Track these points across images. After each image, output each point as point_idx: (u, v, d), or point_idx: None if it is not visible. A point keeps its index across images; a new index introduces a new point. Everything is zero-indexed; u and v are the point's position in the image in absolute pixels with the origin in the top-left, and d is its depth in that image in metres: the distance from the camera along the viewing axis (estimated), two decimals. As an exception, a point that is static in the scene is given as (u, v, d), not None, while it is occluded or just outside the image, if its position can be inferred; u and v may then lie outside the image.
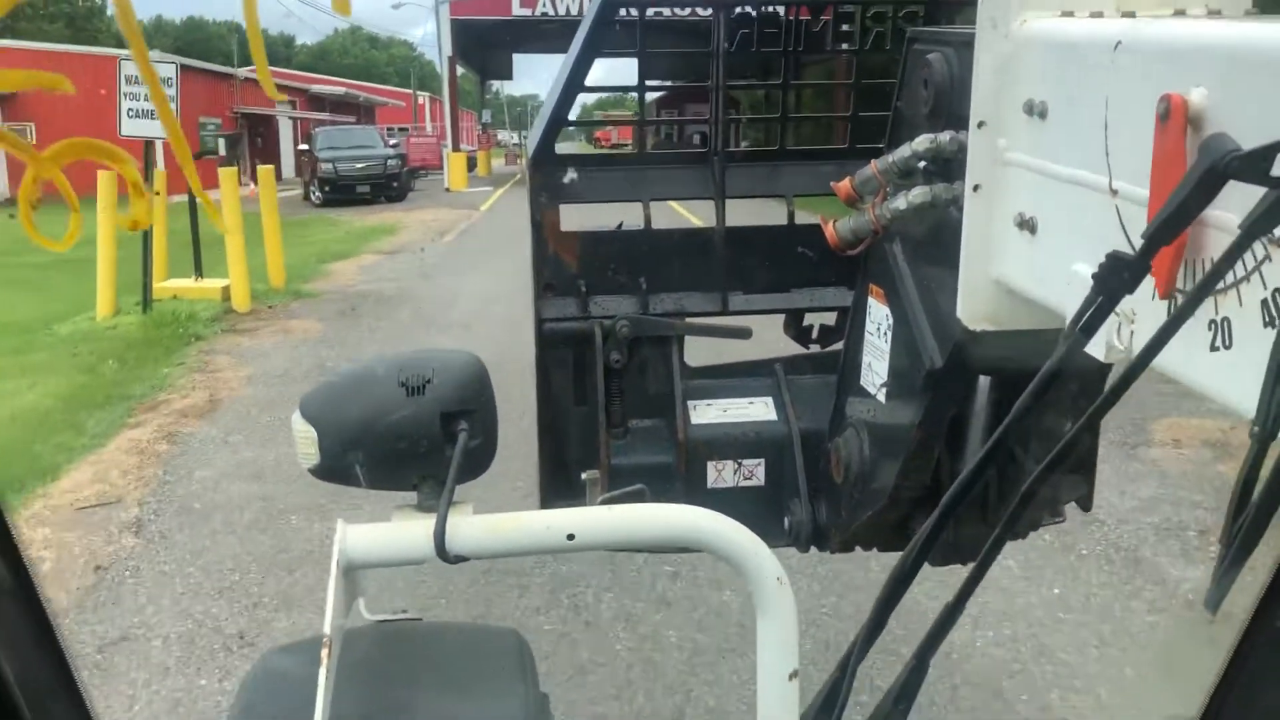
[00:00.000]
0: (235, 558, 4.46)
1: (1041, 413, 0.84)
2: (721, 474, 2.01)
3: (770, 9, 2.01)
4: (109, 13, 69.35)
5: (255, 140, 39.91)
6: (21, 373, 7.76)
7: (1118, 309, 0.75)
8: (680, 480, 1.98)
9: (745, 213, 2.11)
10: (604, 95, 2.10)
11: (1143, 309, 0.88)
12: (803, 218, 2.08)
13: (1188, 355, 0.82)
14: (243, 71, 40.25)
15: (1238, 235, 0.64)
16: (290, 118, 42.65)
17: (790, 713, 1.02)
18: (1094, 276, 0.69)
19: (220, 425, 6.41)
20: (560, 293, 1.99)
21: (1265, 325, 0.75)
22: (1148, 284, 0.84)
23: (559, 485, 2.02)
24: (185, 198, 10.28)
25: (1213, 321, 0.79)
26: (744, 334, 2.04)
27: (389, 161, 27.41)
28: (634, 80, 2.17)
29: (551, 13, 30.91)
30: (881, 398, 1.72)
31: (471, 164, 39.21)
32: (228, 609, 3.99)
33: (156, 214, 9.95)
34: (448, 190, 31.59)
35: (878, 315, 1.70)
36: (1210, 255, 0.79)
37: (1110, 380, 0.70)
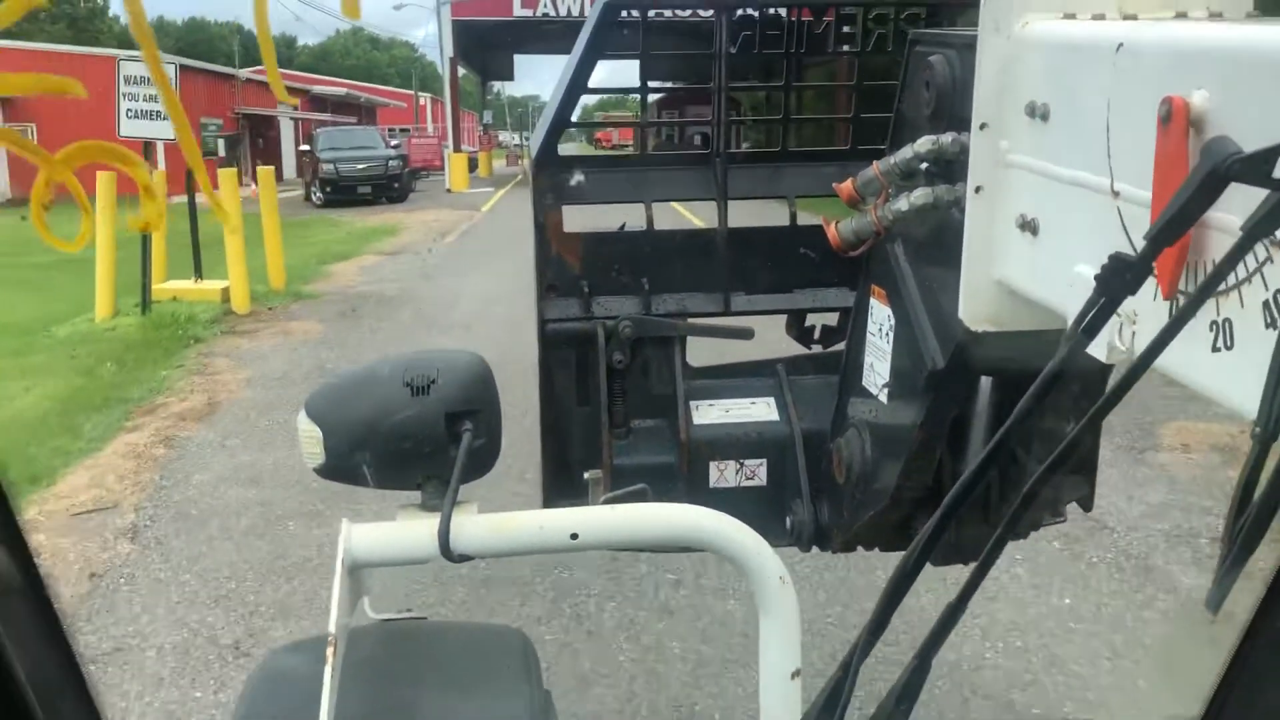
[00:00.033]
0: (232, 565, 4.40)
1: (1043, 414, 0.85)
2: (724, 474, 2.01)
3: (772, 11, 2.01)
4: (111, 14, 69.44)
5: (257, 141, 39.91)
6: (19, 375, 7.70)
7: (1119, 310, 0.74)
8: (682, 480, 1.98)
9: (747, 214, 2.09)
10: (605, 96, 2.05)
11: (1144, 310, 0.88)
12: (805, 219, 2.06)
13: (1189, 356, 0.82)
14: (244, 72, 40.26)
15: (1239, 237, 0.64)
16: (292, 119, 42.63)
17: (792, 712, 1.02)
18: (1096, 277, 0.69)
19: (218, 429, 6.35)
20: (563, 293, 1.99)
21: (1267, 327, 0.75)
22: (1150, 285, 0.85)
23: (562, 485, 2.02)
24: (184, 199, 10.22)
25: (1214, 323, 0.80)
26: (746, 334, 2.03)
27: (390, 162, 27.37)
28: (635, 81, 2.18)
29: (553, 13, 30.89)
30: (883, 398, 1.71)
31: (473, 165, 39.16)
32: (224, 618, 3.92)
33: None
34: (449, 191, 31.54)
35: (880, 316, 1.70)
36: (1212, 257, 0.79)
37: (1112, 381, 0.70)
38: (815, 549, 2.03)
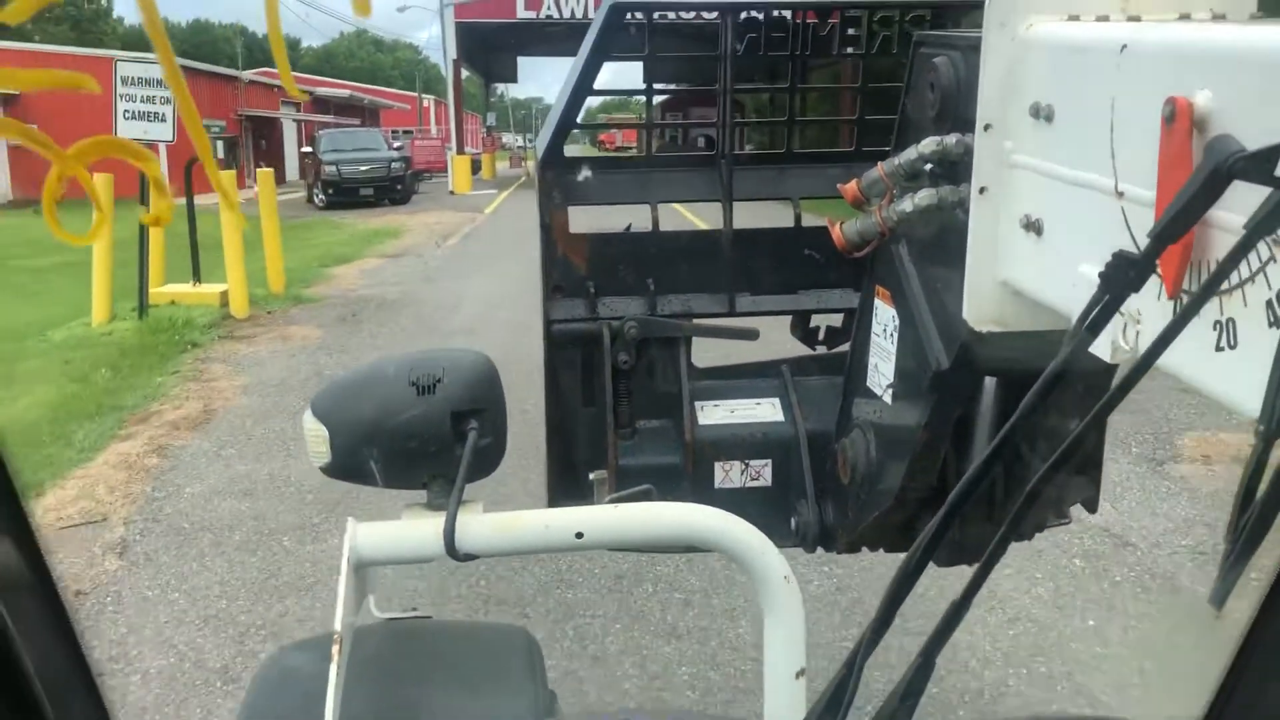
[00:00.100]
0: (223, 583, 4.24)
1: (1047, 413, 0.85)
2: (729, 474, 2.01)
3: (777, 13, 2.02)
4: (115, 15, 69.46)
5: (260, 143, 39.81)
6: (12, 381, 7.56)
7: (1123, 309, 0.75)
8: (687, 481, 1.98)
9: (752, 215, 2.08)
10: (608, 99, 1.98)
11: (1148, 309, 0.88)
12: (809, 220, 2.06)
13: (1193, 356, 0.82)
14: (247, 74, 40.16)
15: (1242, 235, 0.64)
16: (294, 120, 42.54)
17: (796, 711, 1.02)
18: (1100, 275, 0.69)
19: (213, 438, 6.20)
20: (569, 294, 2.00)
21: (1270, 326, 0.75)
22: (1153, 284, 0.86)
23: (567, 485, 2.02)
24: (183, 200, 10.08)
25: (1218, 322, 0.80)
26: (751, 335, 2.03)
27: (393, 164, 27.24)
28: (638, 83, 2.20)
29: (556, 15, 30.75)
30: (888, 399, 1.71)
31: (476, 167, 39.05)
32: (213, 640, 3.77)
33: (150, 219, 9.73)
34: (452, 193, 31.41)
35: (884, 317, 1.70)
36: (1215, 256, 0.79)
37: (1116, 380, 0.70)
38: (820, 549, 2.03)
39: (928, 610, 3.57)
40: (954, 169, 1.41)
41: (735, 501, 1.91)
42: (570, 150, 2.06)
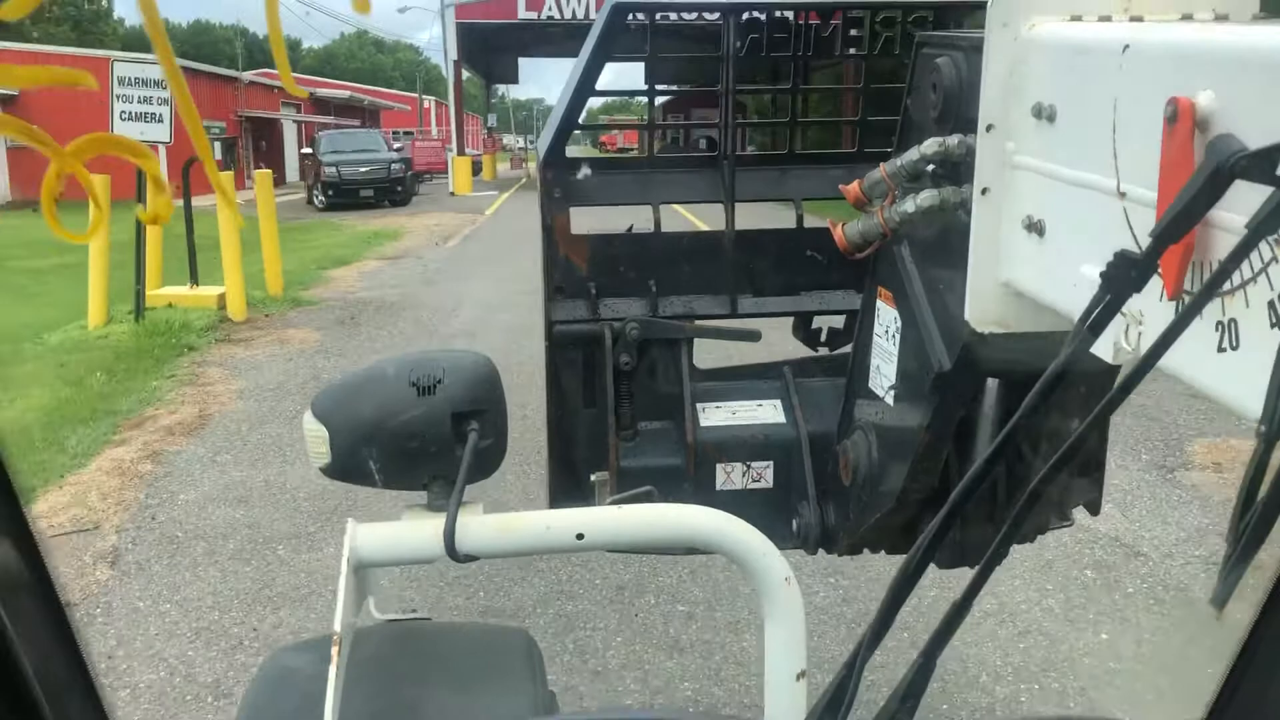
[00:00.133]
0: (216, 593, 4.15)
1: (1049, 414, 0.84)
2: (730, 476, 2.00)
3: (779, 14, 2.01)
4: (115, 16, 69.42)
5: (260, 144, 39.73)
6: (7, 385, 7.47)
7: (1125, 310, 0.75)
8: (689, 482, 1.97)
9: (754, 216, 2.05)
10: (609, 100, 1.93)
11: (1150, 310, 0.88)
12: (811, 221, 2.04)
13: (1195, 356, 0.82)
14: (247, 75, 40.09)
15: (1244, 235, 0.63)
16: (295, 121, 42.46)
17: (797, 712, 1.01)
18: (1101, 275, 0.69)
19: (208, 444, 6.11)
20: (570, 295, 1.99)
21: (1272, 326, 0.75)
22: (1155, 285, 0.85)
23: (568, 486, 2.02)
24: (180, 202, 9.99)
25: (1220, 323, 0.80)
26: (753, 337, 2.03)
27: (393, 165, 27.15)
28: (640, 84, 2.19)
29: (557, 16, 30.65)
30: (890, 400, 1.70)
31: (477, 168, 38.97)
32: (204, 653, 3.68)
33: (149, 216, 9.65)
34: (452, 194, 31.34)
35: (886, 318, 1.69)
36: (1217, 257, 0.79)
37: (1118, 381, 0.69)
38: (821, 552, 2.01)
39: (922, 608, 3.49)
40: (956, 170, 1.40)
41: (737, 503, 1.93)
42: (571, 151, 2.03)
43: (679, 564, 4.27)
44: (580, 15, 29.79)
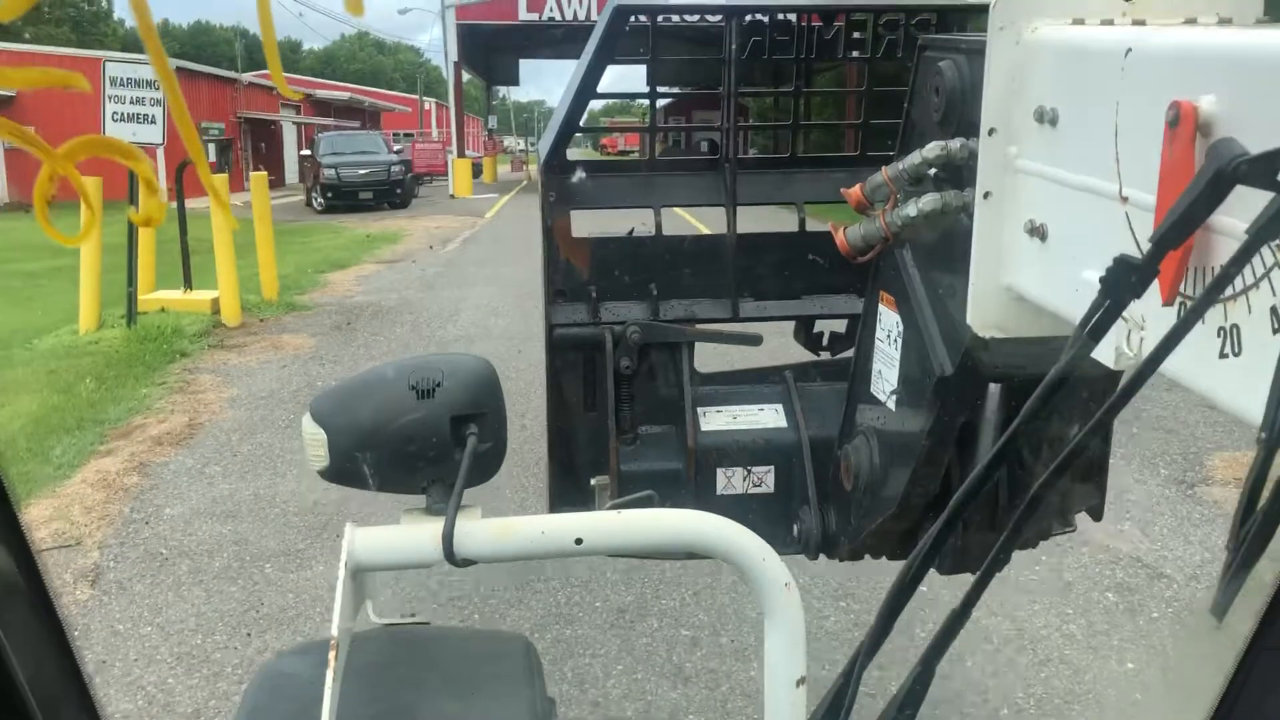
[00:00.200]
0: (199, 615, 3.98)
1: (1051, 419, 0.85)
2: (731, 481, 2.00)
3: (782, 16, 1.99)
4: (115, 16, 69.34)
5: (259, 145, 39.58)
6: (-7, 392, 7.30)
7: (1127, 315, 0.79)
8: (689, 486, 1.96)
9: (756, 219, 2.03)
10: (610, 101, 1.80)
11: (1152, 315, 0.88)
12: (813, 225, 2.02)
13: (1197, 362, 0.81)
14: (247, 76, 39.95)
15: (1245, 240, 0.63)
16: (294, 123, 42.30)
17: (796, 719, 1.02)
18: (1101, 280, 0.68)
19: (197, 454, 5.93)
20: (571, 298, 1.98)
21: (1274, 332, 0.74)
22: (1157, 289, 0.84)
23: (568, 490, 2.00)
24: (175, 204, 9.83)
25: (1222, 328, 0.79)
26: (754, 340, 2.01)
27: (392, 167, 26.99)
28: (640, 86, 2.16)
29: (559, 17, 30.51)
30: (891, 405, 1.70)
31: (477, 170, 38.81)
32: (184, 680, 3.50)
33: (141, 219, 9.49)
34: (452, 197, 31.19)
35: (888, 322, 1.69)
36: (1218, 261, 0.78)
37: (1120, 386, 0.67)
38: (823, 558, 2.01)
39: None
40: (958, 173, 1.39)
41: (737, 508, 1.94)
42: (572, 154, 2.01)
43: (682, 586, 4.10)
44: (582, 17, 29.64)
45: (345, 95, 51.42)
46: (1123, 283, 0.68)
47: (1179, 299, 0.83)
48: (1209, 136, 0.79)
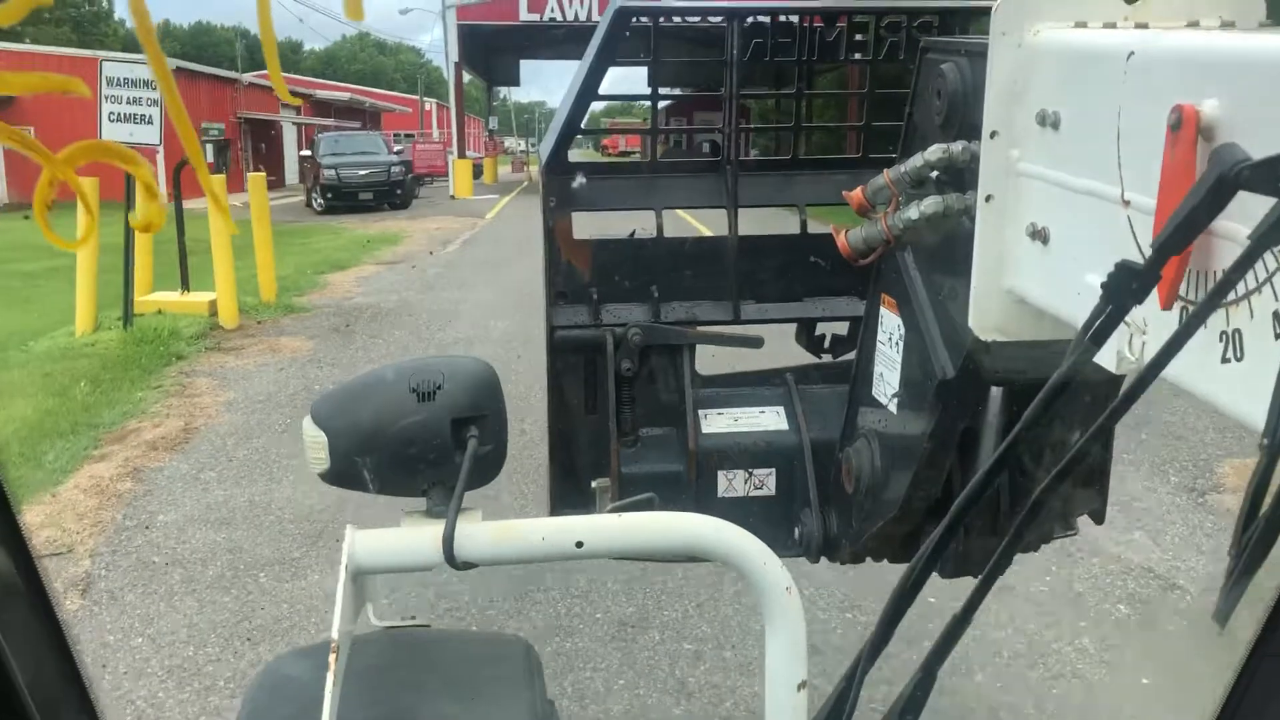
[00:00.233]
0: (191, 626, 3.89)
1: (1052, 424, 0.86)
2: (732, 483, 1.99)
3: (784, 17, 1.99)
4: (116, 17, 69.33)
5: (259, 146, 39.51)
6: (-12, 395, 7.22)
7: (1128, 319, 0.77)
8: (691, 489, 1.96)
9: (757, 221, 2.02)
10: (610, 102, 1.78)
11: (1153, 319, 0.88)
12: (814, 227, 2.02)
13: (1199, 366, 0.81)
14: (247, 76, 39.88)
15: (1247, 246, 0.62)
16: (294, 123, 42.23)
17: None
18: (1102, 286, 0.68)
19: (192, 459, 5.85)
20: (572, 300, 1.97)
21: (1276, 337, 0.74)
22: (1157, 293, 0.85)
23: (569, 493, 1.99)
24: (172, 205, 9.74)
25: (1224, 333, 0.79)
26: (756, 343, 2.01)
27: (393, 168, 26.89)
28: (640, 87, 2.15)
29: (559, 18, 30.41)
30: (893, 408, 1.69)
31: (477, 171, 38.73)
32: (175, 694, 3.42)
33: (140, 224, 9.41)
34: (453, 198, 31.10)
35: (889, 325, 1.69)
36: (1219, 266, 0.78)
37: (1122, 391, 0.67)
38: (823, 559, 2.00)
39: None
40: (960, 176, 1.38)
41: (738, 510, 1.93)
42: (573, 155, 2.00)
43: (684, 597, 4.01)
44: (583, 17, 29.54)
45: (346, 96, 51.34)
46: (1124, 288, 0.68)
47: (1180, 303, 0.83)
48: (1211, 140, 0.79)
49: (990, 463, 0.78)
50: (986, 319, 1.25)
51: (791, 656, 1.01)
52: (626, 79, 2.54)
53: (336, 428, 1.07)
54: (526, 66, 58.18)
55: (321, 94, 47.73)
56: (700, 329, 2.02)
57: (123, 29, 71.82)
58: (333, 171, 26.04)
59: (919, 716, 0.77)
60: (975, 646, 3.62)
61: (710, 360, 2.11)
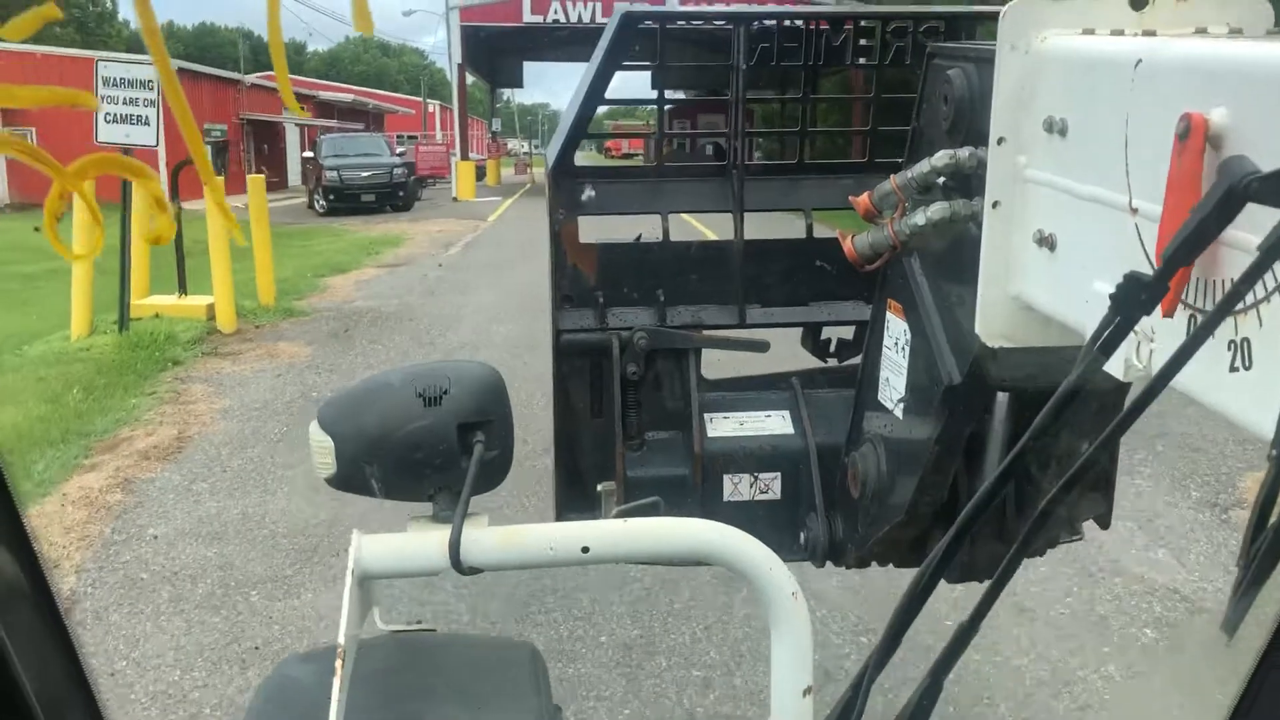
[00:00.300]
0: (178, 649, 3.74)
1: (1059, 431, 0.79)
2: (738, 487, 1.99)
3: (790, 23, 2.01)
4: (120, 18, 69.36)
5: (262, 147, 39.42)
6: (-21, 401, 7.08)
7: (1136, 328, 0.75)
8: (696, 493, 1.96)
9: (763, 226, 2.04)
10: (612, 106, 2.06)
11: (1161, 328, 0.88)
12: (821, 231, 2.04)
13: (1207, 376, 0.81)
14: (250, 78, 39.80)
15: (1256, 257, 0.63)
16: (297, 124, 42.13)
17: None
18: (1111, 296, 0.68)
19: (185, 469, 5.70)
20: (578, 304, 1.98)
21: None
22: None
23: (574, 497, 2.00)
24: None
25: (1232, 342, 0.79)
26: (761, 347, 2.01)
27: (395, 170, 26.77)
28: (643, 90, 2.16)
29: (563, 20, 30.27)
30: (899, 413, 1.70)
31: (480, 173, 38.60)
32: (158, 723, 3.27)
33: (138, 227, 9.28)
34: (455, 200, 30.98)
35: (896, 330, 1.69)
36: (1228, 275, 0.78)
37: (1129, 399, 0.68)
38: (829, 564, 2.01)
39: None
40: (967, 182, 1.39)
41: (744, 514, 1.94)
42: (577, 157, 2.01)
43: (692, 620, 3.86)
44: (585, 19, 29.39)
45: (349, 97, 51.24)
46: (1133, 300, 0.68)
47: (1189, 312, 0.83)
48: (1219, 149, 0.78)
49: (999, 470, 0.77)
50: (993, 325, 1.26)
51: (797, 662, 1.00)
52: (629, 81, 2.51)
53: (343, 432, 1.07)
54: (530, 68, 58.17)
55: (325, 95, 47.64)
56: (706, 333, 2.02)
57: (127, 30, 71.84)
58: (335, 173, 25.92)
59: None
60: (996, 673, 3.47)
61: (716, 364, 2.11)
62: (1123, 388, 1.13)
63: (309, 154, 29.82)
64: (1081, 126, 1.07)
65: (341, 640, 0.96)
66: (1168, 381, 0.66)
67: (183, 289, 9.88)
